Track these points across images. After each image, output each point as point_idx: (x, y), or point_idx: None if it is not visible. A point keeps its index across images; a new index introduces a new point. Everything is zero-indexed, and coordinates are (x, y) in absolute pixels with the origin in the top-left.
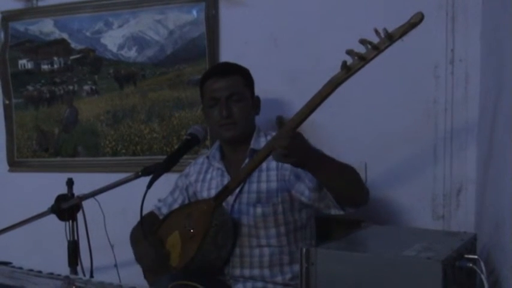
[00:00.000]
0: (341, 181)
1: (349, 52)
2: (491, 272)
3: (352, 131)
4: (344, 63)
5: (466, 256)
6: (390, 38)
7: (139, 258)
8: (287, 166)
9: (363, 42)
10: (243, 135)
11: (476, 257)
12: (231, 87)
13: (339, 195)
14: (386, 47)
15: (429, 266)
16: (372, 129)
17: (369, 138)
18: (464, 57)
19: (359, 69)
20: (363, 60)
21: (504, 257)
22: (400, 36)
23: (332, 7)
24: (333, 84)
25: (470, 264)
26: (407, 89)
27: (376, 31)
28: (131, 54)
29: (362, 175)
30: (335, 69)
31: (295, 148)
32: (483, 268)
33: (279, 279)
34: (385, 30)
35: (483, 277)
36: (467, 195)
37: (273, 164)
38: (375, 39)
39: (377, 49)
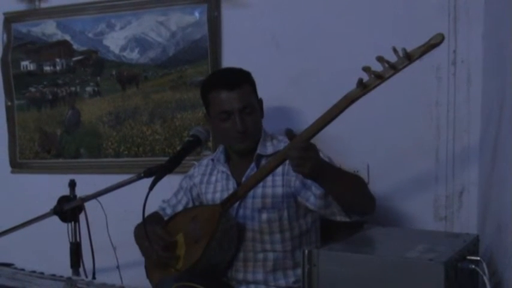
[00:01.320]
0: (348, 192)
1: (366, 69)
2: (493, 273)
3: (354, 133)
4: (360, 80)
5: (469, 257)
6: (409, 58)
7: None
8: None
9: (380, 60)
10: (253, 144)
11: (478, 258)
12: (242, 99)
13: (346, 205)
14: (404, 67)
15: (431, 267)
16: (373, 130)
17: (371, 139)
18: (467, 58)
19: (375, 87)
20: (379, 78)
21: (506, 259)
22: (419, 57)
23: (334, 9)
24: (348, 100)
25: (473, 266)
26: (409, 91)
27: (395, 50)
28: (133, 55)
29: (364, 176)
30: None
31: (308, 160)
32: (485, 269)
33: (282, 283)
34: (403, 49)
35: (485, 279)
36: (469, 197)
37: (279, 169)
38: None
39: (394, 68)
